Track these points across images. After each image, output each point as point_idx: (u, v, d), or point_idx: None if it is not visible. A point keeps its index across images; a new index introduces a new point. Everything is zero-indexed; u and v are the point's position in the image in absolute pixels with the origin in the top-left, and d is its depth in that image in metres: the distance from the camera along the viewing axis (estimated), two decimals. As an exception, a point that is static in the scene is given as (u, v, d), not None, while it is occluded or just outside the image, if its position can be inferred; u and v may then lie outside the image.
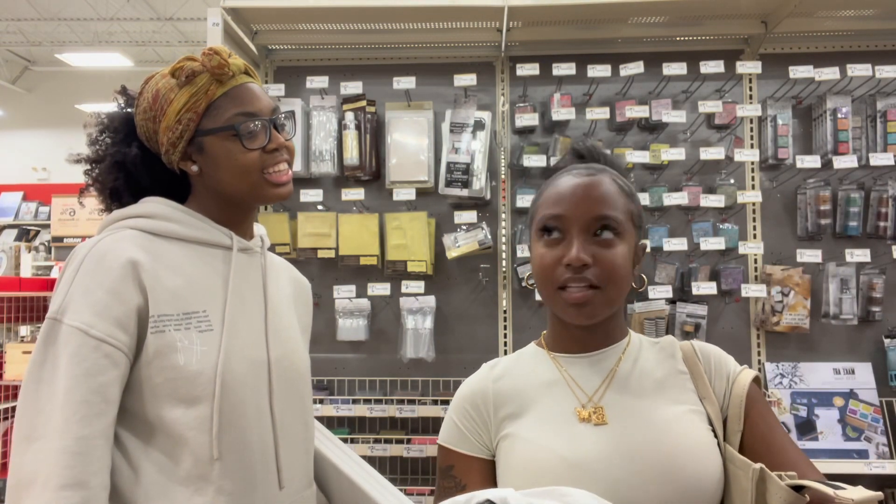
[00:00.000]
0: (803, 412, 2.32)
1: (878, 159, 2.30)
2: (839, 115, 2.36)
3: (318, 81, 2.39)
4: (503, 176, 2.50)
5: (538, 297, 2.13)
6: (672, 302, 2.39)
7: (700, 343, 1.01)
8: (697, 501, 0.85)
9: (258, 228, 1.22)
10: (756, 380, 0.96)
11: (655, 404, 0.92)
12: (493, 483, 0.96)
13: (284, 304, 1.18)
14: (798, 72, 2.30)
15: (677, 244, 2.31)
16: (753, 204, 2.46)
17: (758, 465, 0.82)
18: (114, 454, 0.95)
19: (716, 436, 0.91)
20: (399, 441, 2.33)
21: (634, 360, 0.98)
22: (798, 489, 0.77)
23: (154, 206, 1.07)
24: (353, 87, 2.40)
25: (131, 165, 1.10)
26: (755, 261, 2.47)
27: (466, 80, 2.34)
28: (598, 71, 2.31)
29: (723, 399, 0.95)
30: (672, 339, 1.02)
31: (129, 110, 1.14)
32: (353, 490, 1.15)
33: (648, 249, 2.34)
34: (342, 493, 1.18)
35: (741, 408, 0.92)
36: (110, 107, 1.15)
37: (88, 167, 1.13)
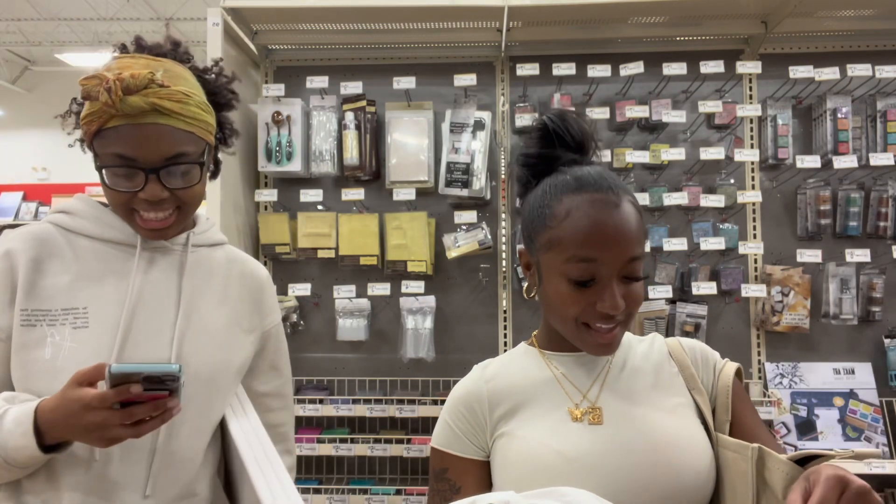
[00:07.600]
0: (803, 412, 2.33)
1: (878, 159, 2.30)
2: (839, 115, 2.36)
3: (318, 81, 2.39)
4: (503, 176, 2.50)
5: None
6: (672, 302, 2.39)
7: (684, 338, 1.05)
8: (690, 490, 0.88)
9: (201, 222, 1.17)
10: (738, 372, 0.99)
11: (648, 400, 0.95)
12: (487, 484, 0.96)
13: (211, 303, 1.13)
14: (798, 72, 2.30)
15: (677, 244, 2.31)
16: (753, 204, 2.46)
17: (755, 445, 0.85)
18: None
19: (706, 425, 0.94)
20: (399, 441, 2.33)
21: (625, 358, 1.00)
22: (800, 464, 0.78)
23: (76, 202, 1.10)
24: (353, 87, 2.40)
25: None
26: (755, 261, 2.46)
27: (466, 80, 2.34)
28: (598, 71, 2.31)
29: (710, 389, 0.98)
30: (657, 335, 1.05)
31: None
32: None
33: (647, 249, 2.34)
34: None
35: (728, 398, 0.96)
36: None
37: None
